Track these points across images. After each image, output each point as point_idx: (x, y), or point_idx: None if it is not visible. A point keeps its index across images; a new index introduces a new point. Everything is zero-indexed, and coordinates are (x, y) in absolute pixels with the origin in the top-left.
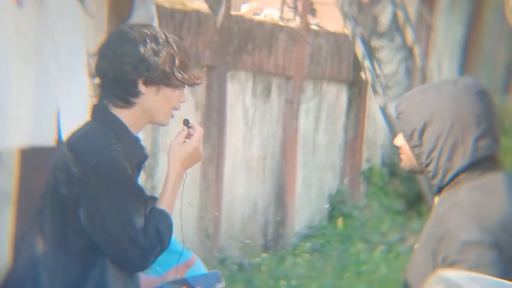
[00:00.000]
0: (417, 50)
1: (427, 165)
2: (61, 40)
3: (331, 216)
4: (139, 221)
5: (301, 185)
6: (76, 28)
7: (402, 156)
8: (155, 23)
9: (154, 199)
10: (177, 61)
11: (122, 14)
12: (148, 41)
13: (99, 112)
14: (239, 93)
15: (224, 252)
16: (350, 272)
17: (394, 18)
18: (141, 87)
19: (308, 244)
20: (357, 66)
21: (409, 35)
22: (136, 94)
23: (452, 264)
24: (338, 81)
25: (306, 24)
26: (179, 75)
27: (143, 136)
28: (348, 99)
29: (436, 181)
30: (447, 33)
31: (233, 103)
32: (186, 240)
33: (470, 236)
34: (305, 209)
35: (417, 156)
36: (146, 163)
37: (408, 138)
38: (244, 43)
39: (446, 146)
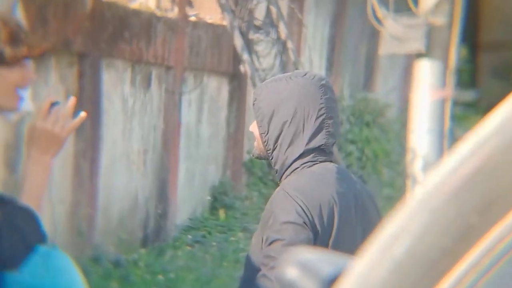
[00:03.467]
0: (290, 45)
1: (272, 152)
2: None
3: (213, 208)
4: None
5: (183, 177)
6: None
7: (254, 143)
8: (17, 8)
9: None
10: (3, 36)
11: None
12: None
13: None
14: (117, 83)
15: (99, 249)
16: (228, 260)
17: (268, 13)
18: None
19: (189, 236)
20: (236, 59)
21: (282, 29)
22: None
23: (271, 243)
24: (219, 74)
25: (184, 15)
26: (8, 50)
27: (7, 129)
28: (229, 92)
29: (277, 168)
30: (315, 29)
31: (110, 93)
32: (57, 239)
33: (288, 217)
34: (188, 201)
35: (265, 143)
36: (7, 156)
37: (259, 125)
38: (120, 31)
39: (288, 134)
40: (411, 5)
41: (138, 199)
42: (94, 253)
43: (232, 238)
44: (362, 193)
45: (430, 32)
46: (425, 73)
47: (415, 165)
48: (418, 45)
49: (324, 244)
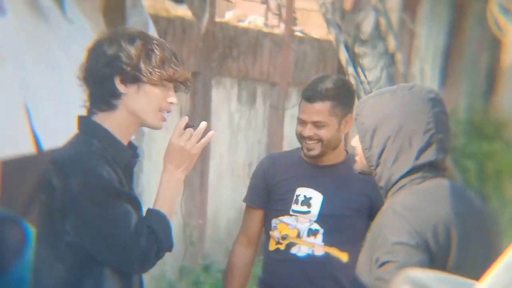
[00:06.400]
0: (399, 57)
1: (375, 168)
2: (61, 48)
3: None
4: (128, 223)
5: None
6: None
7: (356, 158)
8: (151, 28)
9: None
10: (154, 57)
11: (116, 21)
12: (123, 40)
13: (83, 122)
14: (224, 100)
15: (209, 258)
16: None
17: (377, 25)
18: (120, 86)
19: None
20: (341, 72)
21: (391, 42)
22: (116, 94)
23: (382, 265)
24: None
25: (290, 31)
26: (156, 70)
27: None
28: None
29: (381, 184)
30: (429, 40)
31: (218, 109)
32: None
33: (399, 238)
34: None
35: (367, 159)
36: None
37: (361, 140)
38: (229, 49)
39: (393, 151)
40: None
41: (242, 210)
42: (205, 262)
43: None
44: (483, 212)
45: None
46: None
47: None
48: None
49: (441, 268)
